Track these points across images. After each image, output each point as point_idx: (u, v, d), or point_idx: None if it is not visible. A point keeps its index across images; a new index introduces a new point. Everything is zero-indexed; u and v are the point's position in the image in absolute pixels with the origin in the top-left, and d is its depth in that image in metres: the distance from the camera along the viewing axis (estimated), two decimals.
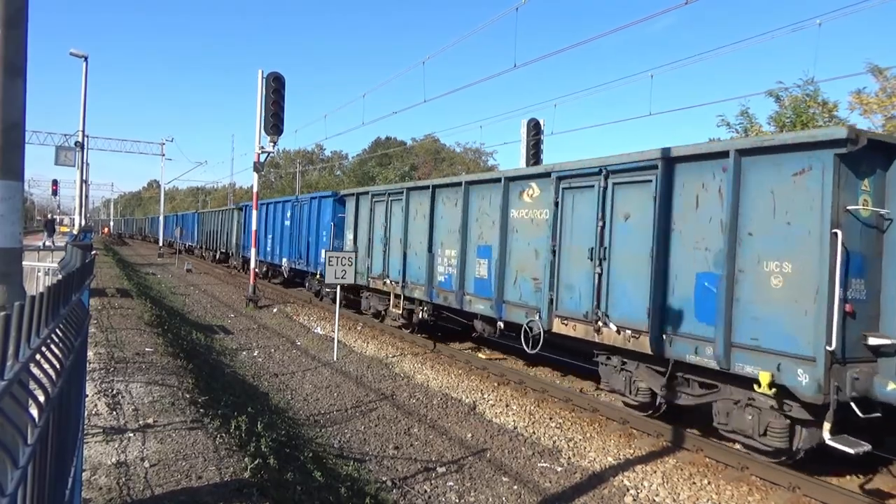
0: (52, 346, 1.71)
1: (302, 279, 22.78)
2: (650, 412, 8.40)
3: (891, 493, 6.53)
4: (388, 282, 14.51)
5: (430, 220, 12.77)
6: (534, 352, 9.69)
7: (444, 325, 14.53)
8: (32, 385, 1.46)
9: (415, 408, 9.33)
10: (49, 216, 42.90)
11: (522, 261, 10.12)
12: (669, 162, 7.67)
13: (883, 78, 16.50)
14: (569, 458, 7.49)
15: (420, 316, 13.57)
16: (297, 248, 21.20)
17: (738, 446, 7.51)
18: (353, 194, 17.05)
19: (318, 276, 19.25)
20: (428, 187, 13.06)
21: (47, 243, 19.55)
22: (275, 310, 19.18)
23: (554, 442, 7.99)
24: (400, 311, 14.13)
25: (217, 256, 37.40)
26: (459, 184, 11.97)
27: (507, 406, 9.41)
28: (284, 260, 22.86)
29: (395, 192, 14.61)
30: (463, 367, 11.89)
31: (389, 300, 14.69)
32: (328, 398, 9.73)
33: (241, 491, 4.69)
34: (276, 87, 18.79)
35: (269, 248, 25.09)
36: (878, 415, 6.10)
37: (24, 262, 4.62)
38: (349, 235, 16.89)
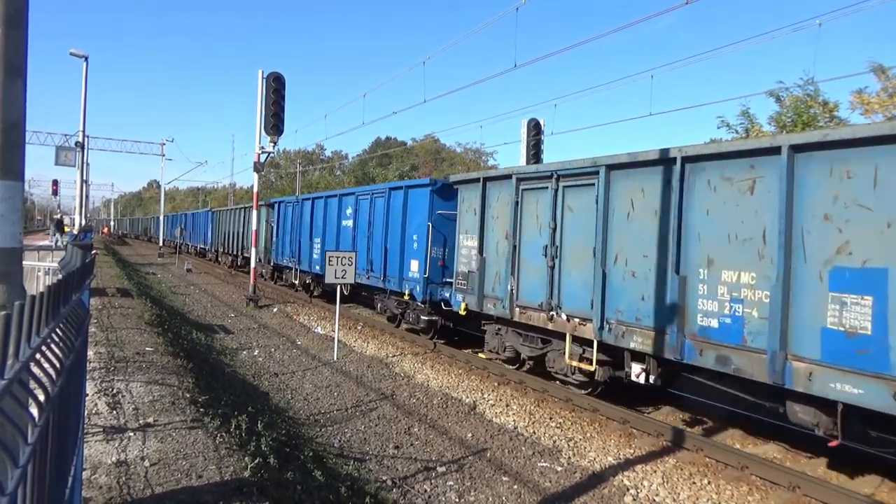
0: (53, 346, 1.72)
1: (364, 295, 17.87)
2: None
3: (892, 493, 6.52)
4: (557, 316, 9.47)
5: (678, 218, 7.55)
6: None
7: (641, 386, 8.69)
8: (33, 384, 1.46)
9: (415, 407, 9.33)
10: (60, 216, 42.73)
11: None
12: None
13: (885, 77, 16.50)
14: (569, 457, 7.50)
15: (642, 379, 8.26)
16: (367, 256, 16.03)
17: (737, 445, 7.50)
18: (475, 180, 11.54)
19: (406, 296, 13.87)
20: (671, 161, 7.71)
21: (58, 243, 19.53)
22: (275, 309, 19.19)
23: (554, 442, 8.00)
24: (590, 366, 8.95)
25: (237, 262, 31.68)
26: (773, 150, 6.62)
27: (507, 406, 9.41)
28: None
29: (576, 173, 9.26)
30: (463, 366, 11.89)
31: (559, 345, 9.74)
32: (328, 398, 9.74)
33: (241, 490, 4.70)
34: (276, 87, 18.79)
35: (315, 256, 19.66)
36: None
37: (24, 262, 4.63)
38: (468, 241, 11.66)
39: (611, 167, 8.69)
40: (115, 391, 7.22)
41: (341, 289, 13.78)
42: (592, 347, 8.89)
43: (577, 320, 9.15)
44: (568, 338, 9.35)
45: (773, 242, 6.53)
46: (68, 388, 2.04)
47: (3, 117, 3.35)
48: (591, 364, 8.94)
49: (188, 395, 7.45)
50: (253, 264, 21.30)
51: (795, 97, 18.13)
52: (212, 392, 8.31)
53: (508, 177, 10.65)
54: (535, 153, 18.50)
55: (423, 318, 13.53)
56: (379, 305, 16.18)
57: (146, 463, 5.10)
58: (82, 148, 25.62)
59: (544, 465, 7.23)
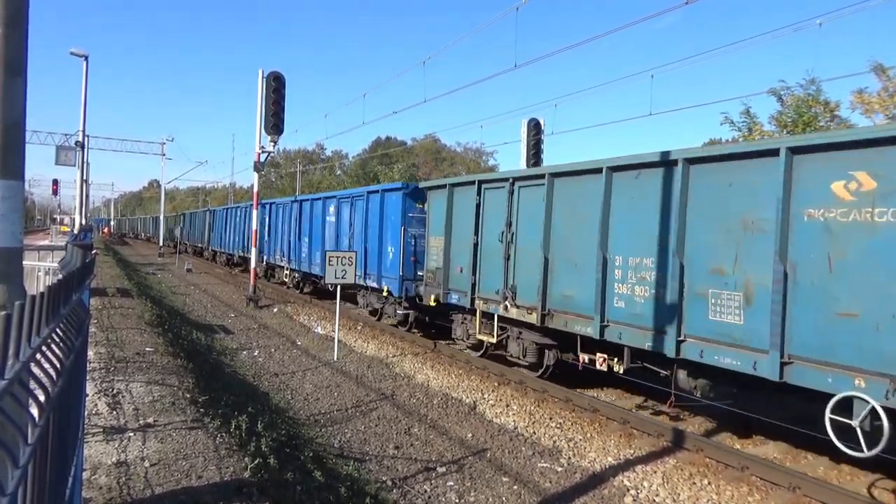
0: (53, 346, 1.71)
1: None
2: None
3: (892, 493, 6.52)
4: None
5: None
6: None
7: None
8: (33, 384, 1.46)
9: (415, 408, 9.33)
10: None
11: None
12: None
13: (885, 77, 16.51)
14: (569, 458, 7.50)
15: None
16: None
17: (737, 446, 7.52)
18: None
19: None
20: None
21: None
22: (275, 310, 19.19)
23: (554, 442, 8.00)
24: None
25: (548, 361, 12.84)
26: None
27: (507, 406, 9.41)
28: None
29: None
30: (463, 367, 11.89)
31: None
32: (328, 398, 9.74)
33: (241, 490, 4.70)
34: (276, 86, 18.80)
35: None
36: None
37: (24, 262, 4.63)
38: None
39: None
40: (115, 391, 7.22)
41: None
42: None
43: None
44: None
45: None
46: (68, 389, 2.04)
47: (3, 117, 3.35)
48: None
49: (188, 396, 7.45)
50: (253, 264, 21.31)
51: (797, 97, 18.13)
52: (212, 392, 8.31)
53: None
54: (535, 153, 18.48)
55: None
56: None
57: (146, 463, 5.10)
58: (82, 147, 25.60)
59: (544, 465, 7.22)
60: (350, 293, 18.06)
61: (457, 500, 6.16)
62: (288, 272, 23.60)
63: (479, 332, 11.60)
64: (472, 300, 11.51)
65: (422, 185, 13.79)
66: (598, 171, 8.93)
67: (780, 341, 6.39)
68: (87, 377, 5.82)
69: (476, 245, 11.52)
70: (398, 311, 14.95)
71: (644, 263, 8.13)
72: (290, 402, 9.46)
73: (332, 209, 18.71)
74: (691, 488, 6.58)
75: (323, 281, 18.16)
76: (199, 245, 42.03)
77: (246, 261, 27.11)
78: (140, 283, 23.53)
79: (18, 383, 1.22)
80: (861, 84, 17.25)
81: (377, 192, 15.81)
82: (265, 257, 25.45)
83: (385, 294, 15.01)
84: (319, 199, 20.13)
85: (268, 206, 26.04)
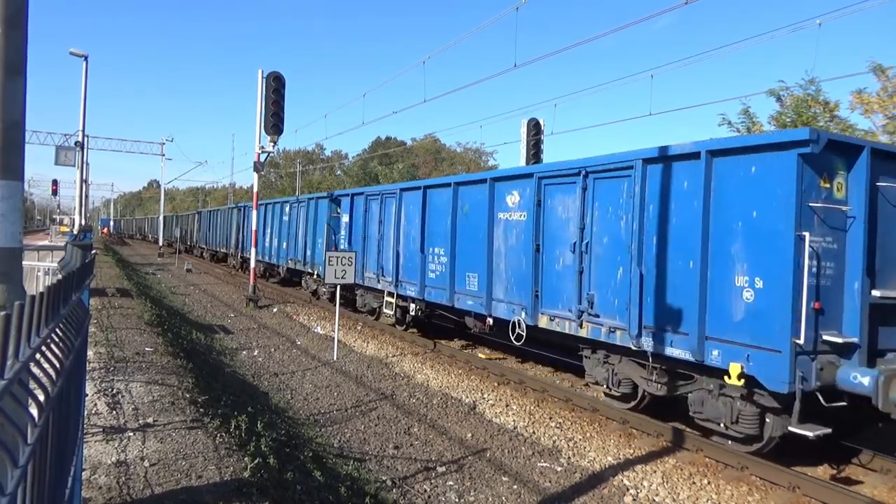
0: (52, 346, 1.71)
1: None
2: None
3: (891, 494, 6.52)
4: None
5: None
6: None
7: None
8: (32, 384, 1.46)
9: (415, 407, 9.33)
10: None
11: None
12: None
13: (885, 77, 16.50)
14: (569, 457, 7.50)
15: None
16: None
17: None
18: None
19: None
20: None
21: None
22: (275, 309, 19.19)
23: (554, 442, 8.00)
24: None
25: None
26: None
27: (507, 406, 9.41)
28: None
29: None
30: (463, 366, 11.89)
31: None
32: (328, 398, 9.74)
33: (240, 490, 4.69)
34: (276, 86, 18.81)
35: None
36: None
37: (24, 262, 4.63)
38: None
39: None
40: (114, 391, 7.22)
41: None
42: None
43: None
44: None
45: None
46: (68, 389, 2.04)
47: (3, 116, 3.35)
48: None
49: (188, 396, 7.45)
50: (253, 264, 21.32)
51: (796, 97, 18.12)
52: (211, 392, 8.31)
53: None
54: (535, 153, 18.52)
55: None
56: None
57: (146, 463, 5.10)
58: (82, 148, 25.59)
59: (544, 465, 7.22)
60: (550, 348, 11.41)
61: (456, 500, 6.16)
62: (392, 300, 14.72)
63: None
64: None
65: None
66: None
67: None
68: (87, 377, 5.82)
69: None
70: (769, 424, 6.86)
71: None
72: (289, 401, 9.46)
73: (511, 199, 10.47)
74: (691, 488, 6.59)
75: (479, 325, 11.62)
76: (223, 250, 35.51)
77: (297, 274, 22.42)
78: (140, 283, 23.53)
79: (18, 383, 1.22)
80: (860, 84, 17.26)
81: (679, 157, 7.57)
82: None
83: (738, 380, 6.67)
84: (481, 181, 11.36)
85: (348, 199, 17.37)
